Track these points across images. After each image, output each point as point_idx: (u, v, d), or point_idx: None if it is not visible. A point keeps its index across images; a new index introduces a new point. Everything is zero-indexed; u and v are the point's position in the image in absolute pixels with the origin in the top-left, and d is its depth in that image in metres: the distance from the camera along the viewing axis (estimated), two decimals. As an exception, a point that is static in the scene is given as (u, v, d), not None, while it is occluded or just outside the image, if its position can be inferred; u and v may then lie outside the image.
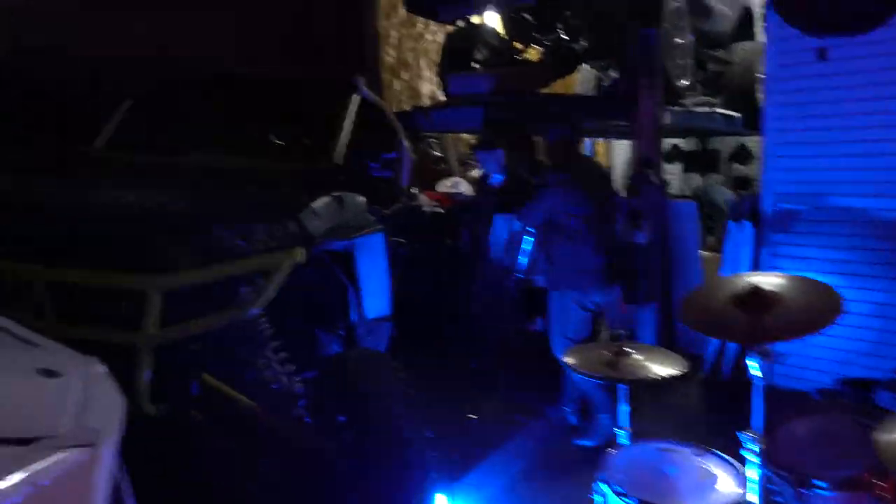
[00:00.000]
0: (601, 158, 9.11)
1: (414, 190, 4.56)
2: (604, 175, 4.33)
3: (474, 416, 3.97)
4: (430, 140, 7.25)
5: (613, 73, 7.12)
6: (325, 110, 3.62)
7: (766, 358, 2.24)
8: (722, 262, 4.82)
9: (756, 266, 4.62)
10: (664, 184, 5.53)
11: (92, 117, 3.66)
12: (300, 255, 2.66)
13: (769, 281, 2.68)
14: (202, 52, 5.96)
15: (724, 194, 7.91)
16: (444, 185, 6.43)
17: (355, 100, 3.55)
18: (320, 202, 2.97)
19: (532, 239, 4.19)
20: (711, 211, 7.63)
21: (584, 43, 5.97)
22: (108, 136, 3.49)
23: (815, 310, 2.45)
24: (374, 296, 3.27)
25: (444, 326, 5.08)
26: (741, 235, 4.70)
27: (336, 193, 3.10)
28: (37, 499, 1.09)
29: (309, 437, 2.58)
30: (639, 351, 2.59)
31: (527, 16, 6.14)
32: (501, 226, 4.40)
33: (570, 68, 6.52)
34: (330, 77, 3.61)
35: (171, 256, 2.51)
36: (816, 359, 4.09)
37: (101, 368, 1.75)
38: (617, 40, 5.31)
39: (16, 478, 1.08)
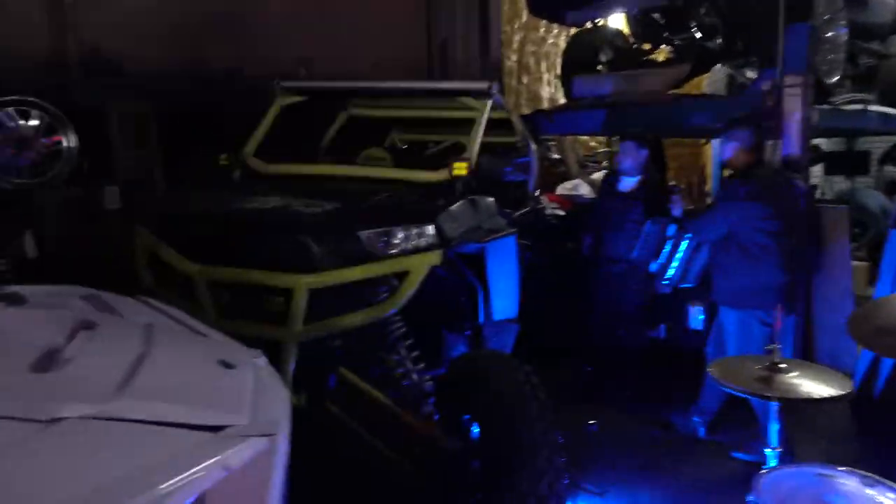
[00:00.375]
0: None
1: (537, 193, 4.51)
2: (791, 183, 3.98)
3: (594, 422, 3.82)
4: (549, 143, 7.18)
5: (750, 71, 6.72)
6: (461, 117, 3.66)
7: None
8: (880, 274, 4.37)
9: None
10: (811, 189, 5.11)
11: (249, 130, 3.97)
12: (437, 257, 2.72)
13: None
14: (340, 64, 6.36)
15: (877, 199, 7.19)
16: (564, 188, 6.34)
17: (488, 106, 3.58)
18: (456, 206, 3.02)
19: (688, 247, 3.96)
20: (861, 217, 6.97)
21: (719, 41, 5.65)
22: (256, 145, 3.74)
23: None
24: (503, 298, 3.27)
25: (563, 330, 4.99)
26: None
27: (471, 197, 3.14)
28: (227, 482, 1.18)
29: (440, 434, 2.61)
30: (792, 367, 2.39)
31: (655, 15, 5.91)
32: (653, 232, 4.18)
33: (706, 68, 6.20)
34: (465, 85, 3.65)
35: (316, 258, 2.65)
36: None
37: (264, 360, 1.88)
38: (761, 36, 4.97)
39: (210, 462, 1.17)
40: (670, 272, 4.06)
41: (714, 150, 8.46)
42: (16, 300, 1.81)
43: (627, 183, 4.35)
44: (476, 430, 2.54)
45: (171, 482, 1.08)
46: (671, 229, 4.04)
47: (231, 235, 2.82)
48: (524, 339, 3.75)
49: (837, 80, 5.39)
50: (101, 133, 5.11)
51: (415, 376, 2.79)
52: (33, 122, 4.80)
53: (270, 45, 6.17)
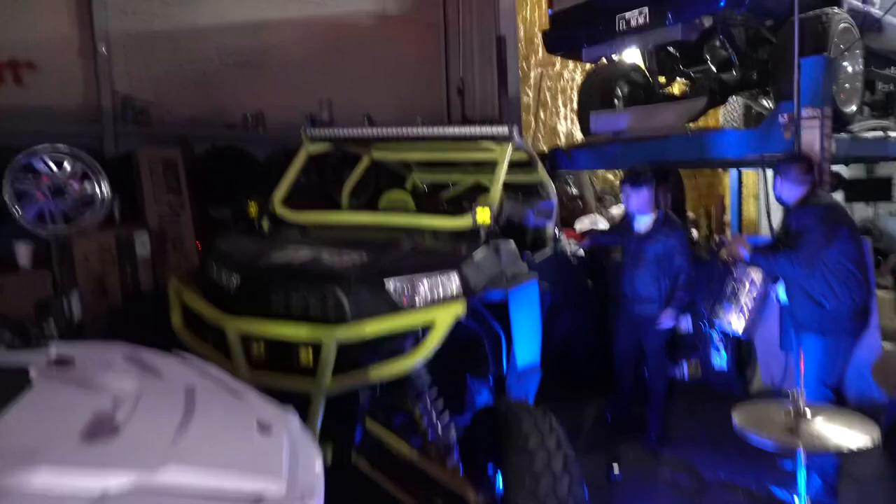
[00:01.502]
0: (750, 190, 8.57)
1: (557, 231, 4.53)
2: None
3: (618, 472, 3.76)
4: (567, 177, 7.23)
5: (766, 101, 6.74)
6: (482, 158, 3.70)
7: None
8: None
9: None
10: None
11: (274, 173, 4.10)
12: (461, 308, 2.76)
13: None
14: (361, 105, 6.54)
15: (898, 225, 7.13)
16: (582, 223, 6.36)
17: (509, 150, 3.64)
18: (479, 254, 3.07)
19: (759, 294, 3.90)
20: (885, 245, 6.89)
21: (735, 73, 5.70)
22: (284, 193, 3.84)
23: None
24: (526, 344, 3.29)
25: (587, 370, 4.98)
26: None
27: (494, 243, 3.19)
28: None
29: (466, 487, 2.62)
30: (818, 412, 2.38)
31: (670, 49, 5.98)
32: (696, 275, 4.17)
33: (721, 100, 6.24)
34: (486, 130, 3.72)
35: (345, 310, 2.71)
36: None
37: (296, 419, 1.93)
38: (776, 69, 5.01)
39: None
40: (736, 322, 3.95)
41: (732, 179, 8.47)
42: (65, 362, 1.89)
43: (641, 223, 4.31)
44: (501, 482, 2.54)
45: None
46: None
47: (262, 287, 2.90)
48: (550, 380, 3.75)
49: (857, 108, 5.39)
50: (131, 180, 5.29)
51: (440, 428, 2.81)
52: (67, 170, 5.02)
53: (292, 88, 6.38)
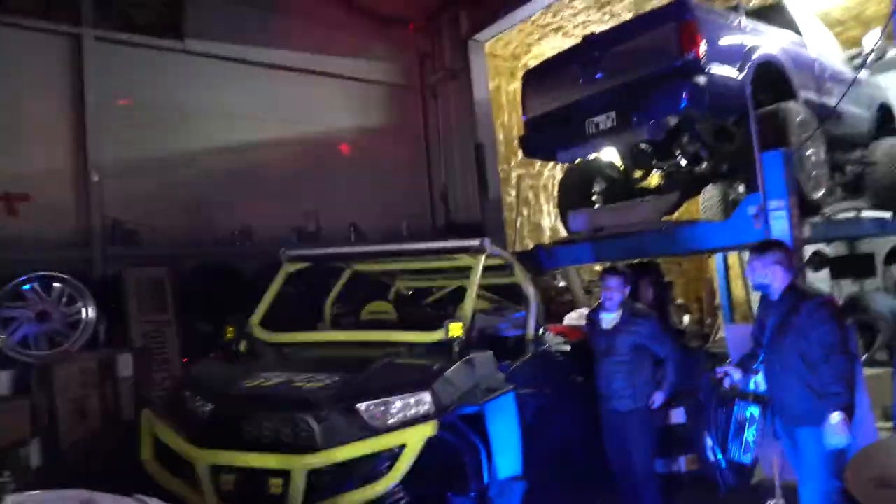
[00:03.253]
0: (736, 272, 8.63)
1: (541, 331, 4.52)
2: None
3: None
4: (554, 272, 7.31)
5: (742, 187, 6.93)
6: (454, 274, 3.75)
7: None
8: (895, 392, 4.24)
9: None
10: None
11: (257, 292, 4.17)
12: (433, 428, 2.73)
13: (960, 439, 2.32)
14: (346, 214, 6.73)
15: (887, 302, 7.10)
16: (571, 318, 6.36)
17: (481, 261, 3.72)
18: (452, 370, 3.07)
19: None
20: (873, 321, 6.85)
21: (705, 165, 5.90)
22: (262, 314, 3.89)
23: None
24: (506, 456, 3.22)
25: (588, 470, 4.82)
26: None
27: (468, 357, 3.20)
28: None
29: None
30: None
31: (643, 145, 6.22)
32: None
33: (695, 192, 6.42)
34: (459, 243, 3.81)
35: (315, 438, 2.68)
36: None
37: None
38: (741, 163, 5.19)
39: None
40: (744, 456, 3.90)
41: (718, 262, 8.56)
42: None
43: (607, 320, 4.27)
44: None
45: None
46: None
47: (233, 416, 2.89)
48: (544, 489, 3.62)
49: (825, 192, 5.53)
50: (119, 300, 5.37)
51: (420, 552, 2.72)
52: (55, 294, 5.10)
53: (279, 202, 6.59)
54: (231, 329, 3.67)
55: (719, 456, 3.98)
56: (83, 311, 5.16)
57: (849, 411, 3.20)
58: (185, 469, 2.95)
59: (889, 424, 4.51)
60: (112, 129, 5.89)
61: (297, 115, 7.02)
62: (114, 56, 5.93)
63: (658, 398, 4.15)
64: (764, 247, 3.69)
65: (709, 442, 4.29)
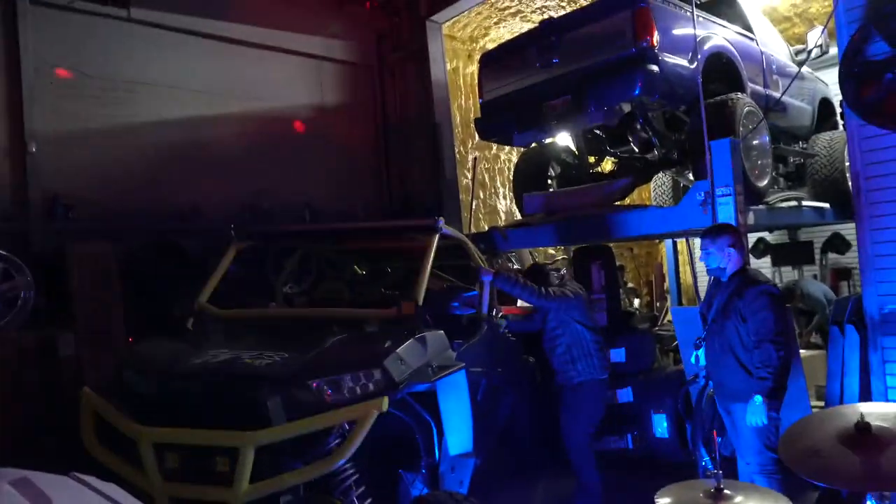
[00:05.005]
0: (685, 258, 8.90)
1: (495, 312, 4.57)
2: None
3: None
4: (510, 254, 7.38)
5: (692, 176, 7.13)
6: (408, 254, 3.77)
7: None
8: (828, 375, 4.47)
9: (866, 374, 4.26)
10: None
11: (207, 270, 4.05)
12: (384, 404, 2.74)
13: (882, 413, 2.46)
14: (299, 193, 6.60)
15: (821, 287, 7.45)
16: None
17: (435, 241, 3.73)
18: (404, 347, 3.08)
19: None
20: (809, 305, 7.19)
21: (656, 153, 6.04)
22: (210, 292, 3.80)
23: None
24: (457, 433, 3.27)
25: (534, 450, 4.93)
26: (845, 341, 4.39)
27: (419, 335, 3.21)
28: None
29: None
30: (736, 491, 2.40)
31: (598, 131, 6.31)
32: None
33: (647, 178, 6.56)
34: (412, 222, 3.81)
35: (263, 413, 2.66)
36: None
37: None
38: (691, 150, 5.33)
39: None
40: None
41: (668, 249, 8.80)
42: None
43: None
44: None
45: None
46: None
47: (178, 394, 2.82)
48: (494, 467, 3.68)
49: (769, 181, 5.74)
50: (61, 277, 5.16)
51: (369, 526, 2.73)
52: (-11, 270, 4.86)
53: (230, 180, 6.42)
54: (179, 307, 3.58)
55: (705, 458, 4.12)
56: (21, 287, 4.93)
57: (773, 396, 3.43)
58: (128, 449, 2.87)
59: (821, 403, 4.75)
60: (51, 99, 5.60)
61: (249, 90, 6.83)
62: (52, 22, 5.63)
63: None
64: (717, 231, 3.85)
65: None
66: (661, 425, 4.92)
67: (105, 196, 5.77)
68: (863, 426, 2.30)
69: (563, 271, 4.74)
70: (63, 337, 4.68)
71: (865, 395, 4.27)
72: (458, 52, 8.89)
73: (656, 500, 2.46)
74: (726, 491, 2.38)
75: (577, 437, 4.27)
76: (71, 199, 5.56)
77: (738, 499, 2.36)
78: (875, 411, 2.45)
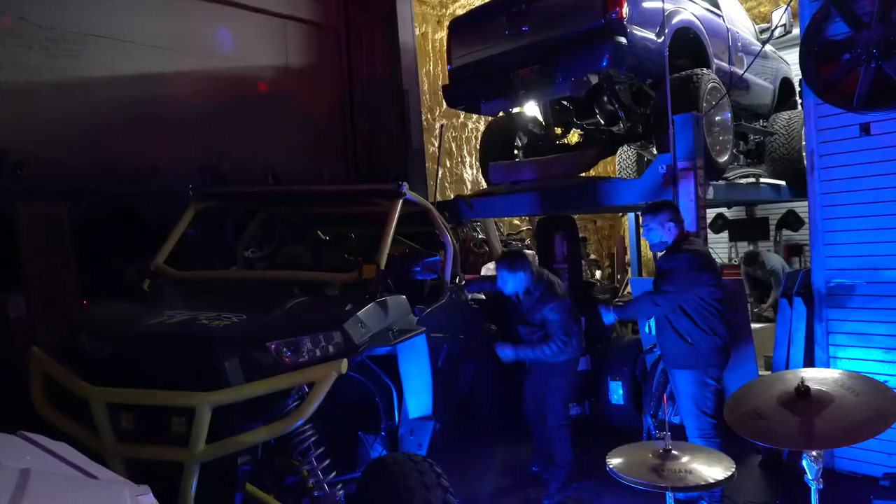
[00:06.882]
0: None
1: (458, 279, 4.59)
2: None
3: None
4: (475, 223, 7.40)
5: (655, 150, 7.22)
6: (371, 218, 3.74)
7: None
8: (775, 344, 4.65)
9: (811, 344, 4.44)
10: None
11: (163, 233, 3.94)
12: (343, 366, 2.74)
13: (820, 378, 2.58)
14: (262, 156, 6.45)
15: (780, 261, 7.70)
16: (488, 269, 6.50)
17: (398, 205, 3.70)
18: (365, 310, 3.07)
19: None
20: (767, 275, 7.42)
21: (622, 126, 6.08)
22: (168, 253, 3.72)
23: (872, 410, 2.34)
24: (417, 396, 3.30)
25: (493, 417, 5.02)
26: (793, 313, 4.56)
27: (380, 299, 3.21)
28: None
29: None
30: (683, 452, 2.50)
31: (565, 102, 6.32)
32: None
33: (612, 151, 6.60)
34: (376, 185, 3.77)
35: (221, 374, 2.63)
36: (884, 440, 3.83)
37: (150, 500, 1.82)
38: (655, 124, 5.38)
39: None
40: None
41: (630, 222, 8.94)
42: None
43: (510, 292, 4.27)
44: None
45: None
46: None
47: (133, 356, 2.77)
48: (452, 433, 3.72)
49: (729, 157, 5.85)
50: (10, 237, 4.98)
51: (327, 486, 2.76)
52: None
53: (189, 141, 6.24)
54: (134, 268, 3.49)
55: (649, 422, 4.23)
56: (-33, 247, 4.75)
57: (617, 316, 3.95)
58: (81, 411, 2.82)
59: (769, 373, 4.94)
60: (-5, 49, 5.34)
61: (209, 48, 6.61)
62: (-8, -36, 5.34)
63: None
64: (656, 207, 3.99)
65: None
66: (616, 392, 5.06)
67: (57, 154, 5.55)
68: (802, 389, 2.40)
69: (546, 273, 4.52)
70: (14, 298, 4.55)
71: (809, 364, 4.46)
72: (428, 17, 8.75)
73: (608, 459, 2.55)
74: (674, 451, 2.48)
75: (560, 414, 4.28)
76: (19, 155, 5.33)
77: (685, 458, 2.46)
78: (815, 377, 2.56)
